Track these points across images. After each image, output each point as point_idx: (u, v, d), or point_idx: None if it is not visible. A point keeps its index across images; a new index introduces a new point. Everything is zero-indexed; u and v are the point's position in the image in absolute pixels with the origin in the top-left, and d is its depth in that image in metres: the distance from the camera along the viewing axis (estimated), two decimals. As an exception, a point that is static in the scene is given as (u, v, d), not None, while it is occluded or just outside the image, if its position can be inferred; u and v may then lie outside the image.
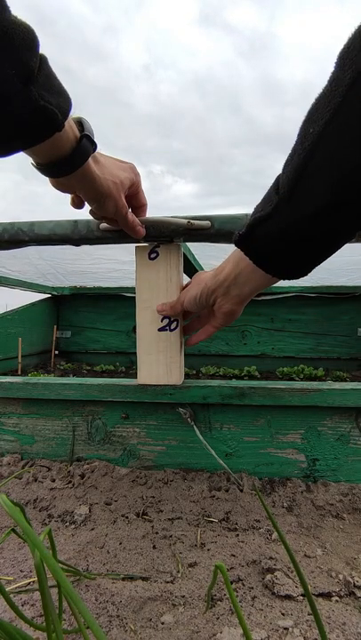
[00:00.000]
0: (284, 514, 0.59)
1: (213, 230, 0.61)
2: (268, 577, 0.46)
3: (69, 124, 0.39)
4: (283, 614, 0.41)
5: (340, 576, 0.46)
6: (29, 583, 0.45)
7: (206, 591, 0.44)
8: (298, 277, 0.44)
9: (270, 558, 0.49)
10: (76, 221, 0.67)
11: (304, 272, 0.44)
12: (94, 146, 0.43)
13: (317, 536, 0.55)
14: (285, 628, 0.39)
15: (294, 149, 0.38)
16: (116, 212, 0.51)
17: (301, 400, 0.64)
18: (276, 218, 0.40)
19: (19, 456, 0.72)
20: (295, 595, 0.43)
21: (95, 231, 0.64)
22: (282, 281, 0.46)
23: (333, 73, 0.33)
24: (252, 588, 0.45)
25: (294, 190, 0.38)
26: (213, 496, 0.62)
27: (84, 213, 0.54)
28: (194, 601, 0.43)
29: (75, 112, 0.39)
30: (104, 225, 0.62)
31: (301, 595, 0.44)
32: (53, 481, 0.66)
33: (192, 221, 0.59)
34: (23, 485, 0.65)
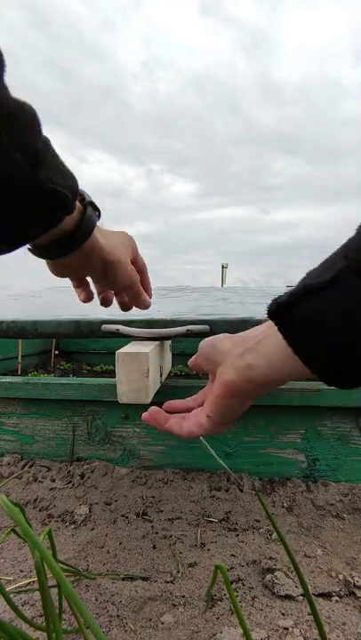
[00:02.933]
0: (284, 514, 0.59)
1: (212, 334, 0.64)
2: (268, 577, 0.46)
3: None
4: (283, 614, 0.41)
5: (341, 576, 0.46)
6: (29, 583, 0.45)
7: (206, 591, 0.44)
8: (347, 385, 0.30)
9: (270, 558, 0.49)
10: (78, 321, 0.70)
11: (356, 380, 0.29)
12: (98, 212, 0.40)
13: (317, 536, 0.55)
14: (285, 628, 0.39)
15: None
16: (129, 281, 0.45)
17: (301, 400, 0.64)
18: (337, 292, 0.28)
19: (19, 456, 0.72)
20: (295, 595, 0.43)
21: (97, 331, 0.68)
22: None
23: None
24: (252, 587, 0.45)
25: None
26: (213, 496, 0.62)
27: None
28: (194, 601, 0.43)
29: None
30: (106, 326, 0.64)
31: (301, 595, 0.44)
32: (53, 481, 0.66)
33: (190, 329, 0.62)
34: (23, 485, 0.65)
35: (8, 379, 0.72)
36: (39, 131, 0.31)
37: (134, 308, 0.51)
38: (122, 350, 0.55)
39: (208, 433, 0.40)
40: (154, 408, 0.43)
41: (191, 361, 0.43)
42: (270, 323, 0.33)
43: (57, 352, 2.13)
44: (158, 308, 0.58)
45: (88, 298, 0.48)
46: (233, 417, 0.39)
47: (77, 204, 0.37)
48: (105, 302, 0.51)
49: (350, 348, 0.28)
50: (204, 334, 0.64)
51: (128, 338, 0.64)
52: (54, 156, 0.33)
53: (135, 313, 0.56)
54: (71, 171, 0.35)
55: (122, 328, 0.64)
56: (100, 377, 1.26)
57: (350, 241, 0.29)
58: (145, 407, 0.68)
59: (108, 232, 0.44)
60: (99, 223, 0.40)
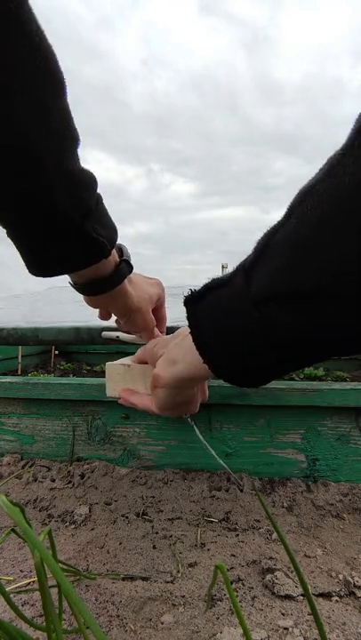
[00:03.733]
0: (284, 514, 0.59)
1: None
2: (268, 577, 0.46)
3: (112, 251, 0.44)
4: (283, 614, 0.41)
5: (341, 576, 0.46)
6: (29, 583, 0.45)
7: (206, 591, 0.44)
8: (236, 384, 0.32)
9: (270, 558, 0.49)
10: (78, 329, 0.71)
11: (244, 380, 0.32)
12: (131, 268, 0.48)
13: (317, 536, 0.55)
14: (285, 628, 0.39)
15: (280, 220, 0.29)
16: (144, 326, 0.54)
17: (301, 400, 0.64)
18: (228, 290, 0.31)
19: (19, 456, 0.72)
20: (295, 595, 0.43)
21: (97, 338, 0.70)
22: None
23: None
24: (252, 587, 0.45)
25: (256, 262, 0.29)
26: (213, 496, 0.62)
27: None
28: (194, 601, 0.43)
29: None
30: (106, 333, 0.66)
31: (301, 595, 0.44)
32: (53, 481, 0.66)
33: None
34: (23, 485, 0.65)
35: (8, 379, 0.72)
36: (94, 192, 0.39)
37: None
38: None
39: (156, 414, 0.46)
40: (126, 390, 0.52)
41: (136, 355, 0.52)
42: None
43: (57, 352, 2.13)
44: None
45: (106, 316, 0.55)
46: (169, 405, 0.44)
47: (116, 256, 0.46)
48: (118, 324, 0.59)
49: (230, 340, 0.30)
50: None
51: (128, 344, 0.64)
52: (102, 211, 0.41)
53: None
54: (114, 224, 0.43)
55: (122, 335, 0.65)
56: (100, 377, 1.26)
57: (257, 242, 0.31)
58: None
59: (141, 281, 0.53)
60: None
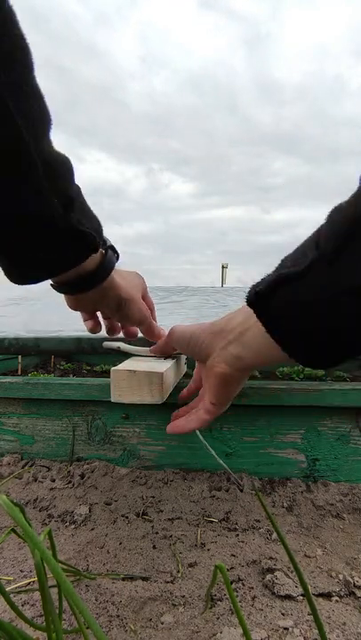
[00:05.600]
0: (284, 514, 0.59)
1: None
2: (268, 577, 0.46)
3: None
4: (283, 614, 0.41)
5: (341, 576, 0.46)
6: (29, 583, 0.45)
7: (206, 591, 0.44)
8: (322, 367, 0.33)
9: (270, 558, 0.49)
10: (79, 339, 0.71)
11: (330, 362, 0.32)
12: (117, 255, 0.45)
13: (317, 536, 0.55)
14: (285, 628, 0.39)
15: (354, 195, 0.28)
16: (140, 316, 0.51)
17: (301, 400, 0.64)
18: (309, 282, 0.29)
19: (19, 456, 0.72)
20: (295, 595, 0.43)
21: (98, 348, 0.70)
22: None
23: None
24: (252, 587, 0.45)
25: (342, 250, 0.27)
26: (213, 496, 0.62)
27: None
28: (194, 601, 0.43)
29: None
30: (107, 344, 0.66)
31: (301, 595, 0.44)
32: (53, 481, 0.66)
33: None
34: (23, 485, 0.65)
35: (8, 379, 0.72)
36: (73, 179, 0.36)
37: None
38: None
39: (216, 416, 0.45)
40: (173, 426, 0.49)
41: (159, 347, 0.51)
42: (248, 312, 0.35)
43: (57, 352, 2.12)
44: (158, 320, 0.58)
45: (96, 326, 0.53)
46: (232, 397, 0.44)
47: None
48: (111, 331, 0.57)
49: (316, 330, 0.30)
50: None
51: (129, 355, 0.64)
52: (83, 203, 0.38)
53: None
54: (97, 216, 0.40)
55: (122, 346, 0.65)
56: (100, 377, 1.26)
57: (321, 229, 0.30)
58: (145, 407, 0.68)
59: (123, 272, 0.49)
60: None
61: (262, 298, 0.32)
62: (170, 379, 0.57)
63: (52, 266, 0.38)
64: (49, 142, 0.34)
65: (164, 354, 0.53)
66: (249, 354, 0.37)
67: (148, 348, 0.61)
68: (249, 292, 0.34)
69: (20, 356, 1.79)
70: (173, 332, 0.47)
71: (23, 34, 0.30)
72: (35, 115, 0.32)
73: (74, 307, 0.47)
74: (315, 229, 0.31)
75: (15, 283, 0.38)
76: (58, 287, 0.44)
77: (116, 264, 0.46)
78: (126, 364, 0.56)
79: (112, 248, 0.44)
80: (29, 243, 0.35)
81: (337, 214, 0.29)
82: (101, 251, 0.42)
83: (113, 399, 0.54)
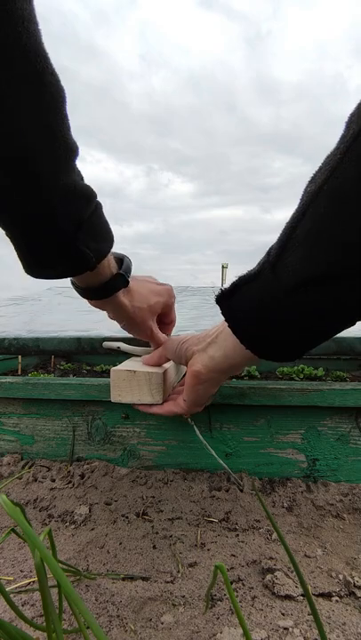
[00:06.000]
0: (284, 514, 0.59)
1: None
2: (269, 577, 0.46)
3: (108, 261, 0.45)
4: (283, 614, 0.41)
5: (341, 576, 0.46)
6: (29, 583, 0.45)
7: (206, 591, 0.44)
8: (278, 360, 0.38)
9: (270, 558, 0.49)
10: (79, 339, 0.72)
11: (287, 354, 0.37)
12: (125, 283, 0.49)
13: (317, 536, 0.55)
14: (285, 628, 0.39)
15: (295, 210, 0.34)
16: (140, 334, 0.55)
17: (301, 400, 0.64)
18: (259, 283, 0.36)
19: (19, 456, 0.72)
20: (295, 595, 0.43)
21: (98, 348, 0.71)
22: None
23: (342, 134, 0.31)
24: (252, 587, 0.45)
25: (281, 256, 0.34)
26: (213, 496, 0.62)
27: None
28: (194, 601, 0.43)
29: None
30: (107, 344, 0.67)
31: (301, 595, 0.44)
32: (53, 481, 0.66)
33: None
34: (23, 485, 0.65)
35: (8, 379, 0.72)
36: (90, 204, 0.40)
37: None
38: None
39: (185, 413, 0.52)
40: (141, 406, 0.54)
41: (154, 357, 0.54)
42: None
43: (57, 352, 2.12)
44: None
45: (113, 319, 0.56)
46: (203, 400, 0.50)
47: (113, 267, 0.47)
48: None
49: (266, 326, 0.36)
50: None
51: (129, 355, 0.64)
52: (97, 222, 0.41)
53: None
54: (111, 234, 0.44)
55: (122, 346, 0.65)
56: (100, 377, 1.26)
57: (272, 244, 0.36)
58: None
59: (143, 290, 0.53)
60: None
61: (225, 297, 0.39)
62: (170, 378, 0.58)
63: (55, 271, 0.42)
64: (70, 172, 0.37)
65: (158, 364, 0.55)
66: (219, 352, 0.43)
67: (148, 348, 0.61)
68: (216, 294, 0.40)
69: (19, 356, 1.79)
70: (165, 341, 0.54)
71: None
72: (54, 144, 0.34)
73: (91, 304, 0.52)
74: None
75: (27, 274, 0.42)
76: (74, 287, 0.49)
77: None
78: (126, 364, 0.56)
79: (123, 276, 0.48)
80: (36, 249, 0.39)
81: (284, 231, 0.34)
82: (112, 273, 0.47)
83: (113, 399, 0.54)
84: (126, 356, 0.64)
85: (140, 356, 0.62)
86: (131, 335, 0.58)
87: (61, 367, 1.92)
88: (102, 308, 0.52)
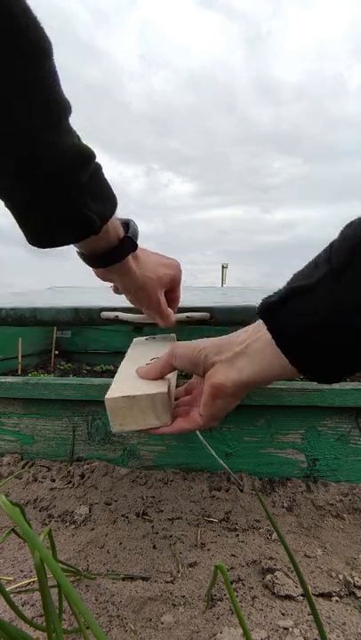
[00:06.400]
0: (285, 514, 0.59)
1: (213, 321, 0.66)
2: (269, 577, 0.46)
3: (113, 225, 0.44)
4: (283, 614, 0.41)
5: (341, 576, 0.46)
6: (29, 583, 0.45)
7: (206, 591, 0.44)
8: (324, 380, 0.34)
9: (270, 558, 0.49)
10: (77, 309, 0.71)
11: (332, 375, 0.33)
12: (135, 247, 0.47)
13: (317, 536, 0.55)
14: (285, 628, 0.39)
15: None
16: (148, 305, 0.54)
17: (301, 400, 0.64)
18: (320, 294, 0.30)
19: (19, 456, 0.72)
20: (295, 595, 0.43)
21: (96, 319, 0.69)
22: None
23: None
24: (252, 587, 0.45)
25: (351, 263, 0.28)
26: (213, 496, 0.62)
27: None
28: (194, 601, 0.43)
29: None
30: (105, 313, 0.66)
31: (301, 595, 0.44)
32: (53, 481, 0.66)
33: (190, 315, 0.65)
34: (23, 485, 0.65)
35: (8, 379, 0.72)
36: (89, 167, 0.38)
37: None
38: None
39: (200, 428, 0.44)
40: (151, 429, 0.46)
41: (157, 369, 0.45)
42: (259, 326, 0.36)
43: (57, 352, 2.13)
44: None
45: (117, 292, 0.55)
46: (222, 414, 0.43)
47: (119, 231, 0.45)
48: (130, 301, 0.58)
49: (325, 345, 0.31)
50: (204, 321, 0.63)
51: (127, 324, 0.64)
52: (98, 184, 0.40)
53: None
54: (114, 196, 0.42)
55: (121, 314, 0.65)
56: (100, 377, 1.26)
57: (333, 243, 0.31)
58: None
59: (154, 259, 0.52)
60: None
61: (272, 308, 0.33)
62: (173, 389, 0.50)
63: (57, 238, 0.41)
64: (62, 131, 0.35)
65: (160, 377, 0.45)
66: (250, 365, 0.37)
67: (146, 316, 0.60)
68: (260, 304, 0.35)
69: (19, 356, 1.79)
70: (177, 346, 0.44)
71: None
72: (40, 104, 0.33)
73: (96, 274, 0.50)
74: (328, 244, 0.32)
75: (30, 244, 0.41)
76: (80, 256, 0.48)
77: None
78: (121, 386, 0.45)
79: (131, 239, 0.46)
80: (35, 214, 0.38)
81: (349, 229, 0.30)
82: (120, 237, 0.45)
83: (114, 430, 0.44)
84: (122, 357, 0.63)
85: (138, 324, 0.61)
86: (129, 304, 0.58)
87: (61, 367, 1.92)
88: (108, 278, 0.50)
